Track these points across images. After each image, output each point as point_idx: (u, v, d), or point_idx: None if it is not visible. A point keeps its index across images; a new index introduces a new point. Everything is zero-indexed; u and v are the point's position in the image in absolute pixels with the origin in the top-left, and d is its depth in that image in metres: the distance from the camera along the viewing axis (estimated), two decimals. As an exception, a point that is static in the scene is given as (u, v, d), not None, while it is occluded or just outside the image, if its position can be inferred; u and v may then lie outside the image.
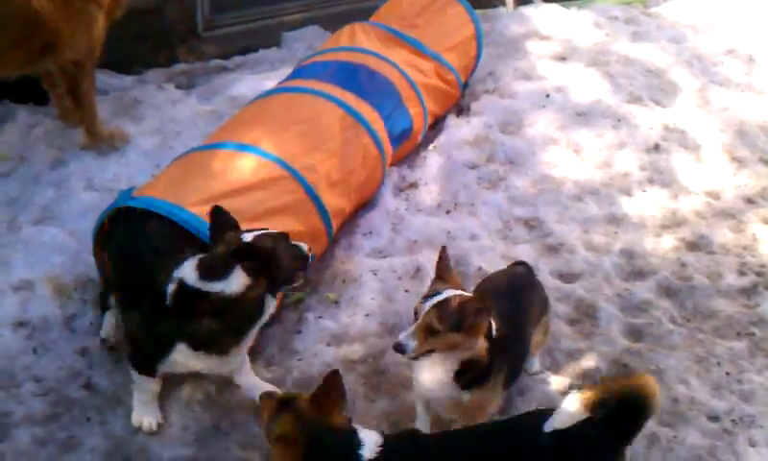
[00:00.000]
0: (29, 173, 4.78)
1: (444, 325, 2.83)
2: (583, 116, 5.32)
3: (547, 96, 5.48)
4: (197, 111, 5.35)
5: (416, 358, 2.95)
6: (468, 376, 2.97)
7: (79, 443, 3.30)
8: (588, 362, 3.65)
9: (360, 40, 5.15)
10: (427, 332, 2.86)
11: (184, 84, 5.83)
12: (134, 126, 5.18)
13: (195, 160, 4.04)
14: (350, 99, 4.52)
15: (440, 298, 2.87)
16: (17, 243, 4.24)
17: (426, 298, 2.92)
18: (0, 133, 5.11)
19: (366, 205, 4.60)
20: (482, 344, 2.92)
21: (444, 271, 3.03)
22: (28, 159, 4.88)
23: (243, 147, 4.00)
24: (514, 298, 3.25)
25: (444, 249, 3.09)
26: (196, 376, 3.53)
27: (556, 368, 3.63)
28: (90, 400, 3.49)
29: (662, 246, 4.38)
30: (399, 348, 2.89)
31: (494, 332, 2.96)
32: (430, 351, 2.92)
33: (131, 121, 5.25)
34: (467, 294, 2.95)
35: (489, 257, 4.20)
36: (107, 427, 3.37)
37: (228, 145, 4.05)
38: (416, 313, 2.93)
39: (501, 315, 3.02)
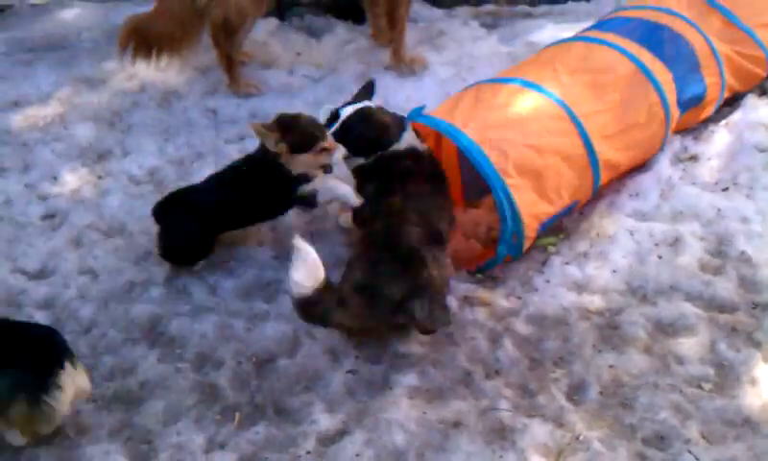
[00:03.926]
0: (336, 82, 5.36)
1: None
2: None
3: None
4: (494, 51, 5.61)
5: None
6: None
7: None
8: None
9: (668, 1, 5.04)
10: None
11: (489, 23, 6.10)
12: (434, 55, 5.56)
13: (482, 92, 4.29)
14: (645, 56, 4.47)
15: None
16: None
17: None
18: (319, 43, 5.76)
19: (639, 167, 4.57)
20: None
21: None
22: (337, 70, 5.47)
23: (528, 84, 4.17)
24: None
25: None
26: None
27: None
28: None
29: None
30: None
31: None
32: None
33: (432, 50, 5.63)
34: None
35: (756, 243, 4.02)
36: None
37: (514, 80, 4.25)
38: None
39: None
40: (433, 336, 3.63)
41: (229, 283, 3.95)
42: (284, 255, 4.07)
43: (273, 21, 6.02)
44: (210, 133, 5.03)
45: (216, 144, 4.93)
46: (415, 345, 3.59)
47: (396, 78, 5.33)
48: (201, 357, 3.57)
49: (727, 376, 3.40)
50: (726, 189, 4.40)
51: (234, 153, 4.82)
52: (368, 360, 3.54)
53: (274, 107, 5.17)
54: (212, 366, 3.52)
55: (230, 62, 5.25)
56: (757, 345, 3.52)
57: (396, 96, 5.14)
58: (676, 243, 4.06)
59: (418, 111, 4.00)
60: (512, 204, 3.73)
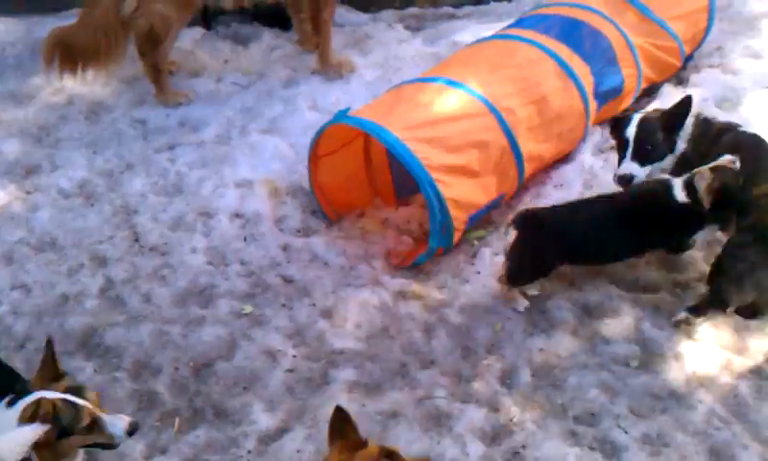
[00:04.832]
0: (264, 88, 5.40)
1: None
2: (810, 102, 5.06)
3: (773, 77, 5.25)
4: (419, 52, 5.72)
5: None
6: None
7: (267, 321, 3.79)
8: None
9: (586, -2, 5.21)
10: None
11: (413, 26, 6.21)
12: (361, 58, 5.65)
13: (406, 91, 4.38)
14: (563, 51, 4.63)
15: None
16: (245, 147, 4.86)
17: None
18: (246, 50, 5.80)
19: (563, 159, 4.71)
20: None
21: None
22: (265, 76, 5.52)
23: (450, 82, 4.27)
24: None
25: None
26: (376, 284, 3.93)
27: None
28: (283, 289, 3.98)
29: None
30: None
31: None
32: None
33: (358, 53, 5.72)
34: None
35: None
36: (293, 312, 3.83)
37: (437, 80, 4.35)
38: None
39: None
40: (369, 331, 3.71)
41: (164, 291, 3.96)
42: (218, 261, 4.12)
43: (199, 30, 6.02)
44: (139, 144, 5.02)
45: (146, 154, 4.91)
46: (351, 341, 3.66)
47: (323, 82, 5.40)
48: (138, 365, 3.58)
49: (652, 353, 3.55)
50: (646, 176, 4.57)
51: (164, 162, 4.82)
52: (306, 358, 3.59)
53: (203, 115, 5.20)
54: (150, 373, 3.54)
55: (157, 72, 5.24)
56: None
57: (324, 99, 5.21)
58: (599, 229, 4.21)
59: (343, 113, 4.06)
60: (439, 196, 3.82)
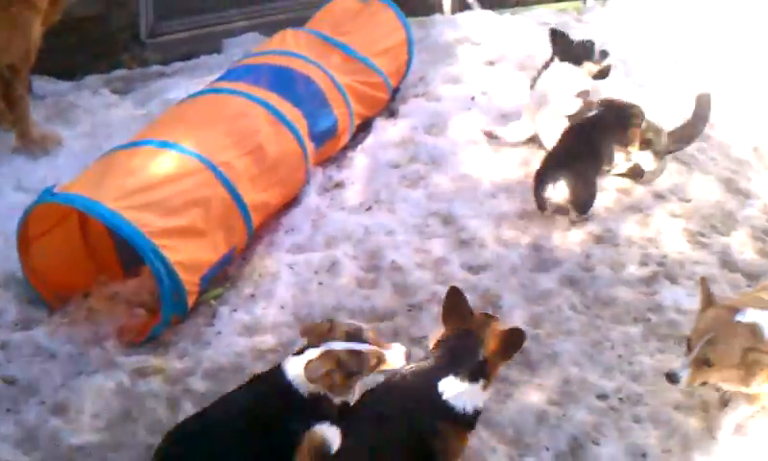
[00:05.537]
0: (-43, 176, 4.90)
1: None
2: (506, 118, 5.49)
3: (473, 99, 5.65)
4: (130, 115, 5.50)
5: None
6: None
7: (-9, 431, 3.40)
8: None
9: (289, 45, 5.30)
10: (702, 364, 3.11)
11: (121, 89, 5.98)
12: (67, 129, 5.34)
13: (116, 158, 4.17)
14: (273, 99, 4.67)
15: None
16: (-56, 242, 4.35)
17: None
18: (-65, 137, 5.24)
19: (292, 203, 4.74)
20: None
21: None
22: (-40, 162, 5.01)
23: (163, 144, 4.14)
24: None
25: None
26: (110, 366, 3.68)
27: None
28: (6, 392, 3.60)
29: (570, 240, 4.54)
30: (672, 378, 3.15)
31: None
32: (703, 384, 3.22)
33: (64, 125, 5.40)
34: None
35: (403, 251, 4.35)
36: (20, 416, 3.47)
37: (148, 143, 4.19)
38: (689, 344, 3.18)
39: None
40: (108, 419, 3.45)
41: None
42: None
43: None
44: None
45: None
46: (89, 434, 3.38)
47: (28, 160, 5.00)
48: None
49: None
50: (369, 208, 4.73)
51: None
52: (38, 463, 3.26)
53: None
54: None
55: None
56: (418, 342, 3.79)
57: (30, 178, 4.82)
58: (333, 267, 4.27)
59: (49, 191, 3.78)
60: (165, 263, 3.67)
